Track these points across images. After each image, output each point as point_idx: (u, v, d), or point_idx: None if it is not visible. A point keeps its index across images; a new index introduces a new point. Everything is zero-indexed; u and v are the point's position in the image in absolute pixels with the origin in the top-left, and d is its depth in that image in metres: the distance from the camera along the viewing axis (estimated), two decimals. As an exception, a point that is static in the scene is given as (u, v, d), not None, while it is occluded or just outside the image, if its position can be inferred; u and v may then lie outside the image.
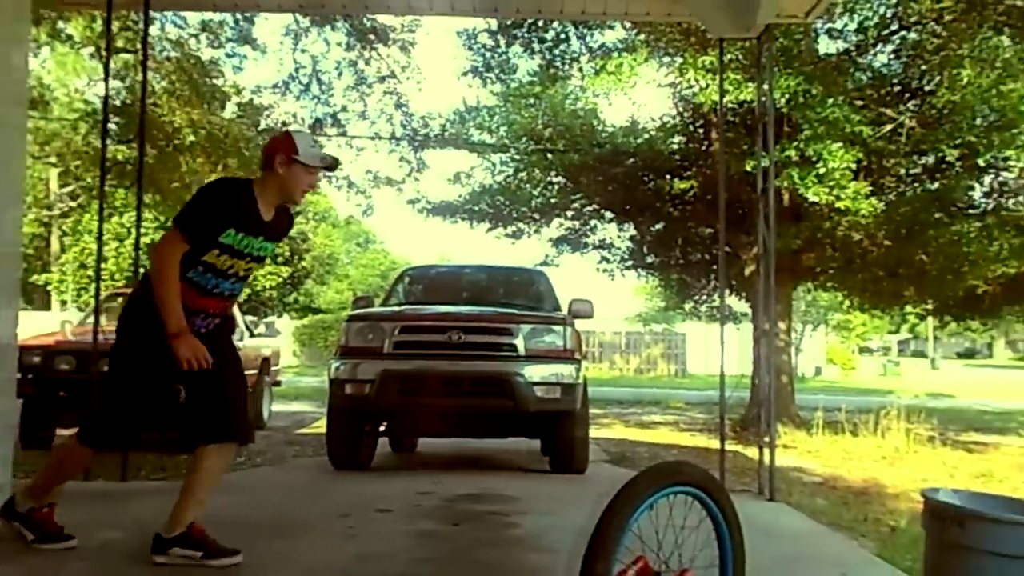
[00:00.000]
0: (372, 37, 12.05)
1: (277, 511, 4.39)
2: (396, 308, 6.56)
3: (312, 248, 28.97)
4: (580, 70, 11.30)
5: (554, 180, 12.79)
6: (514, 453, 7.17)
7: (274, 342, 10.99)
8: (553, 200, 12.93)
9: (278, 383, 10.41)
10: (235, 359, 3.35)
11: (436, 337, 5.59)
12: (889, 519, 6.86)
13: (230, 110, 12.56)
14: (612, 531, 1.98)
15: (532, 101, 11.68)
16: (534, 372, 5.44)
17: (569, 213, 13.43)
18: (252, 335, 9.81)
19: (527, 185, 12.93)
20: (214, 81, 11.96)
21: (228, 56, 12.54)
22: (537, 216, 13.37)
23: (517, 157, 12.65)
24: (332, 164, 3.38)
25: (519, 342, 5.48)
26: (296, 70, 12.53)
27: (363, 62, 12.54)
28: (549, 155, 12.04)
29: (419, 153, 13.66)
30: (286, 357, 13.97)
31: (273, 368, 10.20)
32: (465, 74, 12.22)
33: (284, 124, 12.65)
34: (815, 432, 11.49)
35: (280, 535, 3.75)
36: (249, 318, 10.54)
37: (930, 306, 13.61)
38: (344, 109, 12.97)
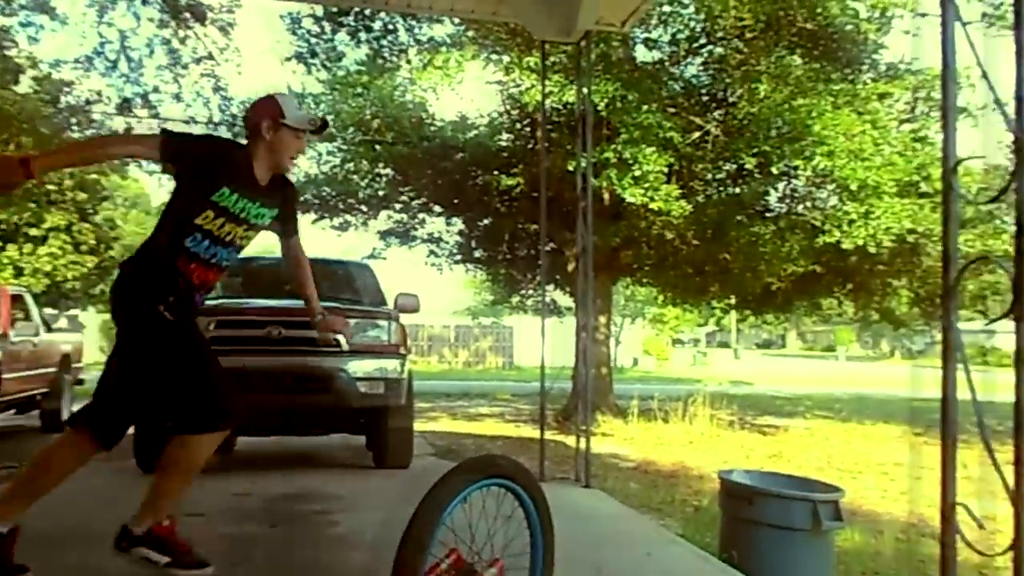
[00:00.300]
0: (188, 16, 11.36)
1: (77, 519, 4.07)
2: (212, 302, 6.25)
3: (121, 236, 26.92)
4: (408, 62, 11.24)
5: (382, 172, 12.65)
6: (338, 449, 7.05)
7: (76, 337, 10.33)
8: (382, 192, 12.79)
9: (81, 381, 9.68)
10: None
11: (255, 332, 5.37)
12: (693, 500, 7.37)
13: (25, 84, 11.44)
14: (424, 526, 2.01)
15: (360, 91, 11.48)
16: (357, 367, 5.37)
17: (397, 206, 13.35)
18: (50, 330, 9.18)
19: (355, 176, 12.71)
20: (5, 52, 10.85)
21: (22, 25, 11.41)
22: (365, 208, 13.18)
23: (344, 147, 12.40)
24: (321, 126, 3.19)
25: (342, 337, 5.39)
26: (101, 45, 11.58)
27: (178, 41, 11.79)
28: (377, 146, 11.90)
29: (239, 139, 13.05)
30: (92, 353, 12.94)
31: (75, 365, 9.61)
32: (289, 59, 11.82)
33: (88, 102, 11.70)
34: (631, 420, 12.10)
35: (78, 545, 3.48)
36: (48, 311, 9.71)
37: (732, 301, 14.72)
38: (156, 90, 12.14)
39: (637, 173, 8.61)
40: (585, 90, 5.49)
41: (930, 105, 9.40)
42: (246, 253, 3.44)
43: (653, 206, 8.82)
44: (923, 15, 9.03)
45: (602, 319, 12.81)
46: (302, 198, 12.93)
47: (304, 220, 13.37)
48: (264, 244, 4.12)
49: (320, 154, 12.93)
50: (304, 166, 13.19)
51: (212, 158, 2.86)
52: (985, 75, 2.12)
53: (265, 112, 3.00)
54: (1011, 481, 2.04)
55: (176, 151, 2.84)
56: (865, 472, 9.40)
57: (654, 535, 4.27)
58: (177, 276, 2.82)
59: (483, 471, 2.28)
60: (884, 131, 8.81)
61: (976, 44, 2.19)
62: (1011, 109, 2.10)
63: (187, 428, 2.84)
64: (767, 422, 14.34)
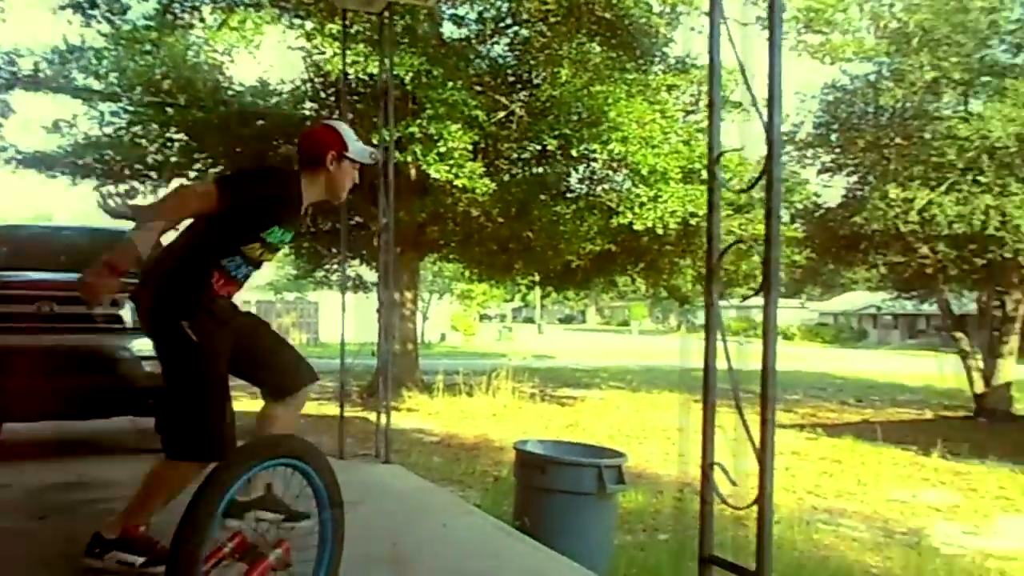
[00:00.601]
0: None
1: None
2: (-28, 276, 5.58)
3: None
4: (202, 20, 10.52)
5: (175, 137, 11.82)
6: (126, 433, 6.58)
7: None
8: (173, 158, 11.96)
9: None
10: None
11: (23, 308, 4.86)
12: (494, 471, 7.61)
13: None
14: (203, 510, 1.93)
15: (148, 48, 10.59)
16: (143, 345, 5.02)
17: (192, 173, 12.53)
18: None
19: (142, 140, 11.78)
20: None
21: None
22: (154, 174, 12.26)
23: (131, 108, 11.44)
24: (377, 158, 3.05)
25: (126, 313, 5.00)
26: None
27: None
28: (169, 109, 11.08)
29: (3, 95, 11.67)
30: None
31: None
32: (64, 8, 10.68)
33: None
34: (436, 395, 12.24)
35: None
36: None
37: (536, 277, 15.24)
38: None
39: (442, 149, 8.64)
40: (388, 62, 5.42)
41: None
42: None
43: (458, 183, 8.90)
44: (707, 13, 9.71)
45: (408, 294, 12.80)
46: (81, 161, 11.84)
47: (84, 185, 12.26)
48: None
49: (102, 114, 11.85)
50: (84, 127, 12.06)
51: (271, 202, 2.75)
52: (743, 72, 2.32)
53: (329, 144, 2.86)
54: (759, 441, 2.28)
55: (233, 197, 2.66)
56: (651, 437, 10.13)
57: (451, 507, 4.36)
58: (204, 289, 2.74)
59: (266, 452, 2.23)
60: (672, 120, 9.42)
61: (757, 46, 2.38)
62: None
63: (170, 450, 2.74)
64: (566, 394, 15.04)
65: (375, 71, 8.48)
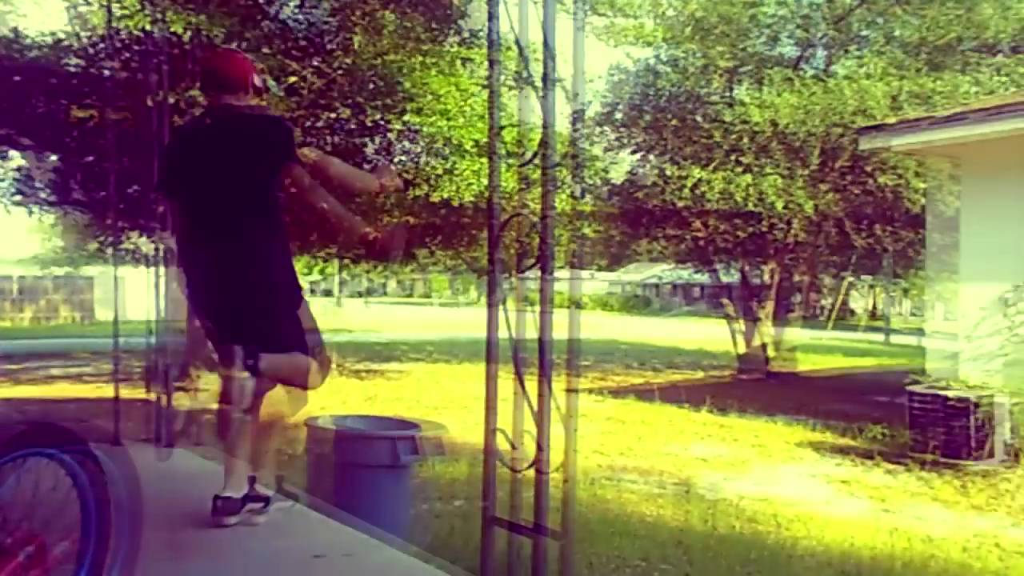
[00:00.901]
0: None
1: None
2: None
3: None
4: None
5: None
6: None
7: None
8: None
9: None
10: None
11: None
12: (288, 449, 7.42)
13: None
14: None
15: None
16: None
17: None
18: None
19: None
20: None
21: None
22: None
23: None
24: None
25: None
26: None
27: None
28: None
29: None
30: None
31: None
32: None
33: None
34: (227, 373, 11.72)
35: None
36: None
37: (332, 250, 14.90)
38: None
39: (226, 115, 8.14)
40: (160, 16, 5.04)
41: (506, 75, 10.36)
42: None
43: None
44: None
45: (196, 269, 12.06)
46: None
47: None
48: None
49: None
50: None
51: None
52: (521, 50, 2.39)
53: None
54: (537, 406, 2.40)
55: None
56: (450, 407, 10.31)
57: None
58: None
59: (15, 443, 2.03)
60: (467, 93, 9.51)
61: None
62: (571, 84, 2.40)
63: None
64: (365, 367, 14.93)
65: (149, 27, 7.82)
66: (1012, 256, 7.57)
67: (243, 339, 2.82)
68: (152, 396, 7.02)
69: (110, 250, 15.75)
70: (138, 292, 6.02)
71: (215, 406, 3.10)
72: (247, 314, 3.02)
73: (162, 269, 5.49)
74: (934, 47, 12.24)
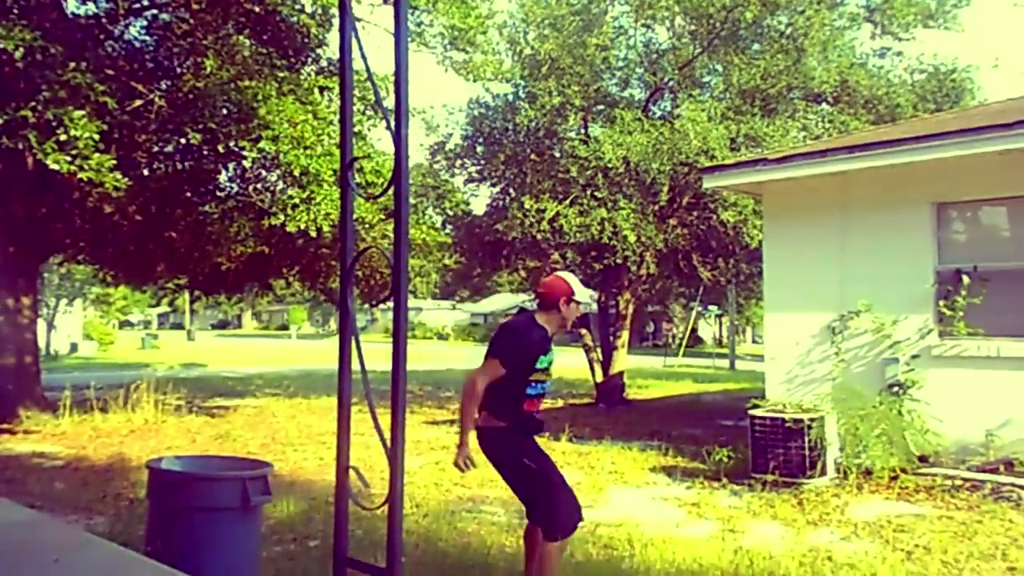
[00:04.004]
0: None
1: None
2: None
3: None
4: None
5: None
6: None
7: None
8: None
9: None
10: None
11: None
12: (129, 493, 6.95)
13: None
14: None
15: None
16: None
17: None
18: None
19: None
20: None
21: None
22: None
23: None
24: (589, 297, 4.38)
25: None
26: None
27: None
28: None
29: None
30: None
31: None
32: None
33: None
34: (63, 413, 10.92)
35: None
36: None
37: (183, 281, 14.22)
38: None
39: (63, 138, 7.61)
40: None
41: (365, 104, 10.31)
42: None
43: (83, 176, 7.93)
44: (359, 20, 9.83)
45: (25, 300, 11.15)
46: None
47: None
48: None
49: None
50: None
51: (533, 350, 4.14)
52: (372, 82, 2.39)
53: (564, 292, 4.22)
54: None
55: (511, 359, 4.11)
56: (307, 443, 9.99)
57: (67, 539, 3.90)
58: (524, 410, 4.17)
59: None
60: (324, 122, 9.37)
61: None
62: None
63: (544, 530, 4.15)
64: (217, 403, 14.25)
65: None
66: (836, 288, 8.24)
67: None
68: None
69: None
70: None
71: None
72: None
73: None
74: (767, 94, 13.24)
